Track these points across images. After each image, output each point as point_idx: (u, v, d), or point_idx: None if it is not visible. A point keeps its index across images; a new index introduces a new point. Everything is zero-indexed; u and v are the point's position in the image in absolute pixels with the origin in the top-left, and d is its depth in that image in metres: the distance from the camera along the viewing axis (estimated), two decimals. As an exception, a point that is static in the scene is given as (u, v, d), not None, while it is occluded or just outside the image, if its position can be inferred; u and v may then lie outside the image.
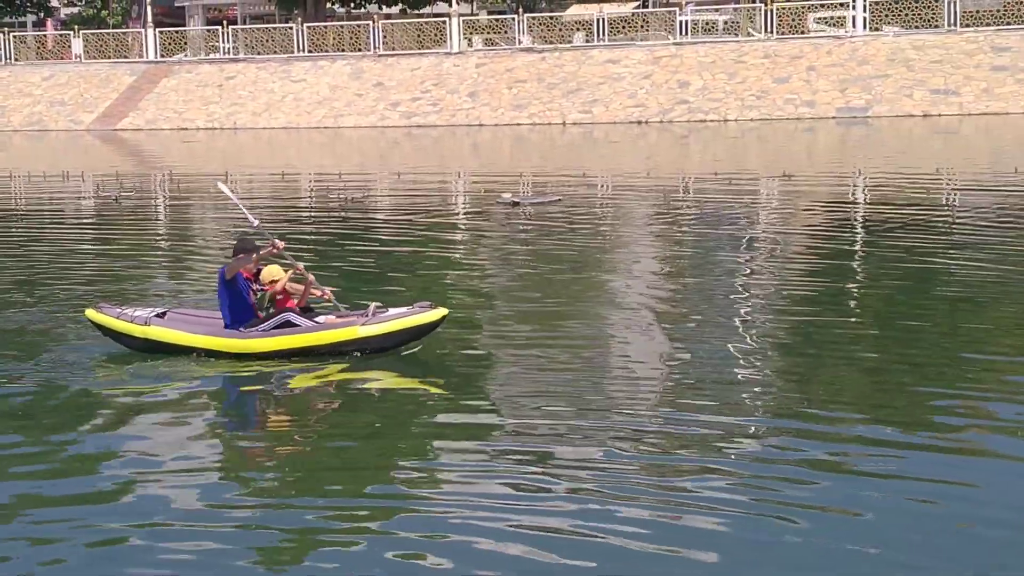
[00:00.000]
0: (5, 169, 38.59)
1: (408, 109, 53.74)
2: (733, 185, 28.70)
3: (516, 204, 25.86)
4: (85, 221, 27.37)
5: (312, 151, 45.64)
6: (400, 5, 67.43)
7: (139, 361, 12.56)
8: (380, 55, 57.49)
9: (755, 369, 11.99)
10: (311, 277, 12.99)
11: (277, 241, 12.80)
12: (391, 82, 55.68)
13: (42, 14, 75.36)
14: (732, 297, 15.80)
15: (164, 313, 12.98)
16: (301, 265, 13.10)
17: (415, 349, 12.70)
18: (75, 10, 77.43)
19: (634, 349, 12.89)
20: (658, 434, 9.86)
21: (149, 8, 63.61)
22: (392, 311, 12.66)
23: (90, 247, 22.17)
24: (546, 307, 15.29)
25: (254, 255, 12.67)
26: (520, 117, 51.63)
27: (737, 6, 58.53)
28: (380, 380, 12.06)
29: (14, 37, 63.98)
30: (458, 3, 60.16)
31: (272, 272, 12.78)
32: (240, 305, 12.58)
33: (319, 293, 13.06)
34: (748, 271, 17.83)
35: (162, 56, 61.11)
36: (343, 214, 25.89)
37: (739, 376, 11.64)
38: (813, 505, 8.23)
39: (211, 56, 60.48)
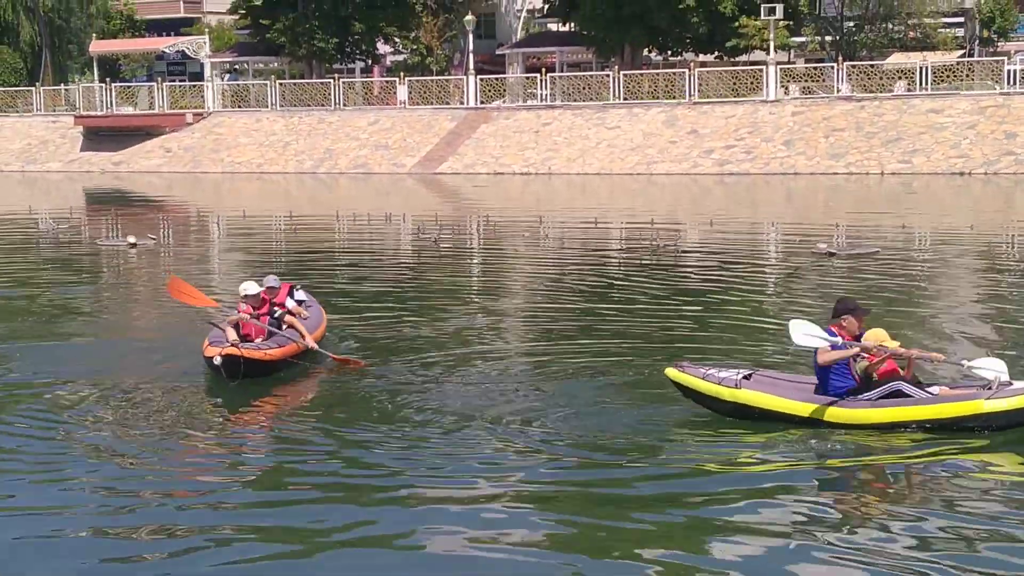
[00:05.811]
0: (331, 208, 40.19)
1: (721, 156, 53.45)
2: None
3: (832, 254, 25.31)
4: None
5: (625, 197, 45.83)
6: (717, 53, 67.18)
7: (727, 426, 12.00)
8: (695, 103, 57.40)
9: None
10: (915, 351, 12.08)
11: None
12: (705, 129, 55.52)
13: (370, 61, 78.38)
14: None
15: (750, 375, 12.20)
16: (897, 344, 12.02)
17: None
18: (401, 58, 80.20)
19: None
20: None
21: (471, 56, 65.39)
22: (1019, 384, 11.49)
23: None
24: None
25: (855, 317, 11.89)
26: (836, 166, 50.62)
27: (1071, 54, 55.97)
28: (998, 461, 11.13)
29: (343, 83, 66.71)
30: (776, 51, 59.47)
31: (877, 336, 11.87)
32: (841, 371, 11.73)
33: (927, 358, 12.08)
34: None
35: (482, 102, 62.61)
36: (656, 260, 25.84)
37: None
38: None
39: (528, 103, 61.63)
